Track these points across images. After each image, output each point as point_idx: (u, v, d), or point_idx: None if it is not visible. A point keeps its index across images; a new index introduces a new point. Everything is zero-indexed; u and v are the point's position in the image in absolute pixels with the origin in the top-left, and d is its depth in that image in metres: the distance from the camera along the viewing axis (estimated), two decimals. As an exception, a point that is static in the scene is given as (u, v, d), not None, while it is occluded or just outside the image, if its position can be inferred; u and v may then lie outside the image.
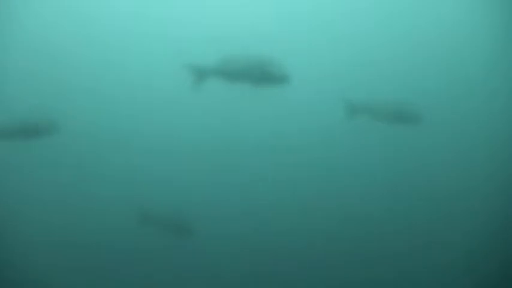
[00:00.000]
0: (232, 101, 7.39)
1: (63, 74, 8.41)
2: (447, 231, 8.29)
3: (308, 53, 8.65)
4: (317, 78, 8.70)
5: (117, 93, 8.71)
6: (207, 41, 7.53)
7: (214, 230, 8.06)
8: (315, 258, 8.26)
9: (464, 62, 8.53)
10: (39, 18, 8.43)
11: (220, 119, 8.79)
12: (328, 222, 8.44)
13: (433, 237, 8.30)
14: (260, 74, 5.54)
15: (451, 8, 8.43)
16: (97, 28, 8.63)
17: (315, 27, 8.65)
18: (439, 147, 8.63)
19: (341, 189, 8.69)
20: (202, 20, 8.47)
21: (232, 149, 8.76)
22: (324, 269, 8.20)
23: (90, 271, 7.88)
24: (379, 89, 8.42)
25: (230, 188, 8.55)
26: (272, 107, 8.34)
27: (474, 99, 8.55)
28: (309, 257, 8.25)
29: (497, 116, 8.42)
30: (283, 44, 7.88)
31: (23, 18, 8.27)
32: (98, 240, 8.08)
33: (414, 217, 8.47)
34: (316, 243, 8.35)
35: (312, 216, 8.48)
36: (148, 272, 8.04)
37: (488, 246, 7.88)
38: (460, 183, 8.49)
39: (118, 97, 8.70)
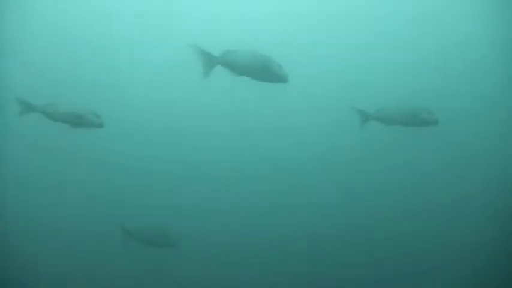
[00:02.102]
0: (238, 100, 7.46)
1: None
2: (464, 237, 8.12)
3: (318, 55, 8.42)
4: (328, 82, 8.49)
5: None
6: (213, 34, 7.44)
7: (203, 241, 8.05)
8: (318, 271, 8.17)
9: (483, 64, 8.34)
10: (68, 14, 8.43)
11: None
12: (335, 234, 8.27)
13: (449, 242, 8.15)
14: (261, 70, 5.88)
15: (470, 10, 8.29)
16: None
17: (327, 27, 8.48)
18: (456, 150, 8.41)
19: (354, 199, 8.43)
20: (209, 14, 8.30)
21: (229, 156, 8.53)
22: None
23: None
24: (391, 94, 8.22)
25: (223, 195, 8.36)
26: (276, 108, 8.33)
27: (494, 102, 8.35)
28: (312, 270, 8.16)
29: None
30: (291, 44, 7.89)
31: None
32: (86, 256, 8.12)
33: (432, 222, 8.28)
34: (320, 254, 8.23)
35: (318, 225, 8.30)
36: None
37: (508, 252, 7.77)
38: (478, 187, 8.24)
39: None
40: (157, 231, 7.45)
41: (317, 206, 8.42)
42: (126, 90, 8.39)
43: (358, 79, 8.44)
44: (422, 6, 8.31)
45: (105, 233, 7.83)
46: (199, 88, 8.21)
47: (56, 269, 8.00)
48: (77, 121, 6.38)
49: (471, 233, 8.09)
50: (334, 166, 8.49)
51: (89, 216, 8.16)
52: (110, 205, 8.14)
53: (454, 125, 7.93)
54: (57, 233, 8.14)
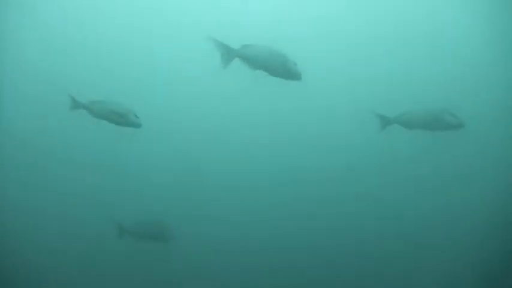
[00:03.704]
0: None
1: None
2: (493, 245, 7.83)
3: (336, 56, 8.30)
4: (346, 84, 8.31)
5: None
6: (229, 31, 7.39)
7: (199, 237, 8.01)
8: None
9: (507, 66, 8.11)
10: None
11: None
12: (352, 243, 8.15)
13: (478, 250, 7.90)
14: (277, 66, 6.09)
15: (495, 13, 8.07)
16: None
17: (348, 30, 8.34)
18: (482, 155, 8.15)
19: (374, 207, 8.23)
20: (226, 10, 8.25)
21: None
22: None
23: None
24: (412, 97, 7.99)
25: (226, 194, 8.26)
26: (292, 113, 8.25)
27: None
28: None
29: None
30: (309, 47, 7.80)
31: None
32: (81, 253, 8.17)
33: (459, 231, 8.08)
34: (333, 263, 8.07)
35: (333, 234, 8.16)
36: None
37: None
38: (506, 194, 7.95)
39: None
40: (153, 226, 7.60)
41: (334, 215, 8.24)
42: (127, 88, 8.36)
43: (377, 81, 8.25)
44: (444, 8, 8.12)
45: (101, 229, 7.88)
46: (210, 90, 8.13)
47: (53, 266, 8.04)
48: (119, 120, 6.69)
49: (504, 242, 7.82)
50: (352, 172, 8.31)
51: (85, 212, 8.19)
52: (107, 201, 8.16)
53: (479, 128, 7.67)
54: (54, 230, 8.19)
